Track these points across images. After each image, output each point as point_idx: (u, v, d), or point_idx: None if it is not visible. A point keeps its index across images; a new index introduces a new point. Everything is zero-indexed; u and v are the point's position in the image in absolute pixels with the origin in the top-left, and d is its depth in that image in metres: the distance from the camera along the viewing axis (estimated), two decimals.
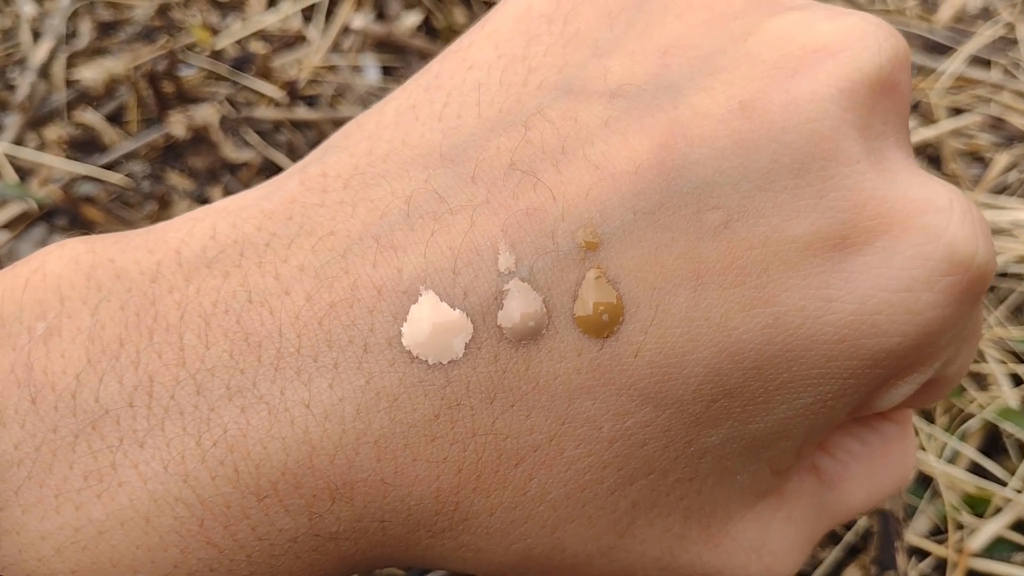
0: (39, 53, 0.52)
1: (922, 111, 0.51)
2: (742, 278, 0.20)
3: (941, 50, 0.55)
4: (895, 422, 0.27)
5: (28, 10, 0.55)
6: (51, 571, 0.18)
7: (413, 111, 0.22)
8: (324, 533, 0.19)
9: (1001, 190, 0.48)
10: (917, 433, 0.38)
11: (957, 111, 0.51)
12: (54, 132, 0.49)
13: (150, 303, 0.19)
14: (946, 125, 0.50)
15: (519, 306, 0.19)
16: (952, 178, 0.48)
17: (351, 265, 0.19)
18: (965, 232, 0.21)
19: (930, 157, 0.49)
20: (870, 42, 0.21)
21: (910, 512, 0.36)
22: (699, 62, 0.21)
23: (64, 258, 0.20)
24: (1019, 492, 0.36)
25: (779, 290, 0.20)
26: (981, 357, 0.40)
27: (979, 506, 0.36)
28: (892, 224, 0.20)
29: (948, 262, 0.20)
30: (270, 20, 0.54)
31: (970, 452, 0.37)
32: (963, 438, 0.38)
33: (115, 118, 0.50)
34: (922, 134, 0.50)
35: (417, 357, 0.19)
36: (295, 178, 0.21)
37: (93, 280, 0.20)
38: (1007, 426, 0.38)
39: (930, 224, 0.20)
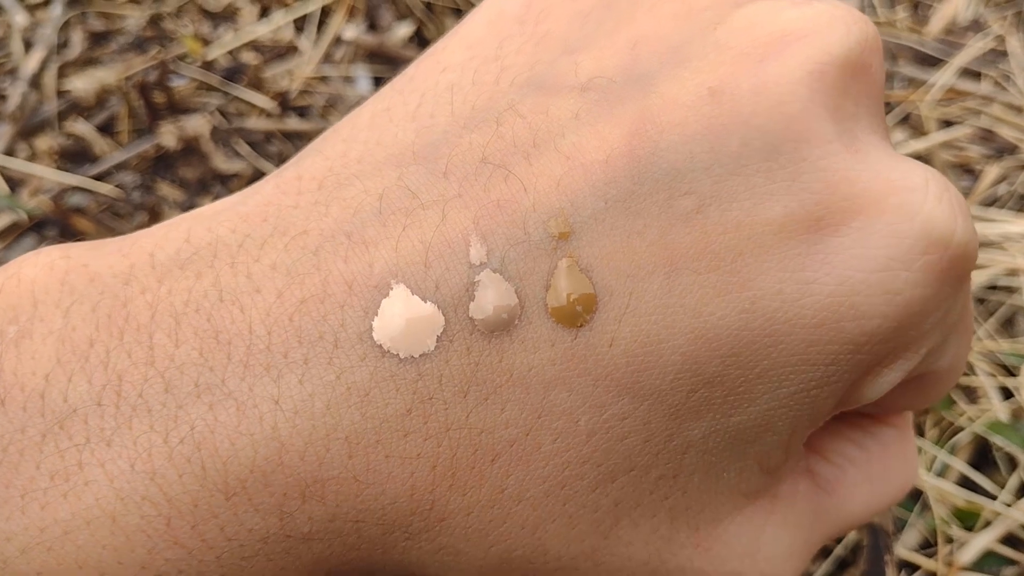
0: (30, 63, 0.52)
1: (913, 123, 0.52)
2: (716, 263, 0.20)
3: (932, 62, 0.55)
4: (894, 427, 0.26)
5: (19, 20, 0.55)
6: (16, 573, 0.18)
7: (387, 113, 0.22)
8: (296, 534, 0.19)
9: (991, 202, 0.48)
10: None
11: (947, 123, 0.52)
12: (45, 143, 0.49)
13: (121, 304, 0.19)
14: (937, 137, 0.50)
15: (491, 297, 0.19)
16: None
17: (322, 262, 0.19)
18: (942, 210, 0.20)
19: None
20: (838, 25, 0.21)
21: (900, 526, 0.36)
22: (669, 53, 0.21)
23: (39, 264, 0.20)
24: (1009, 506, 0.36)
25: (754, 274, 0.20)
26: (971, 370, 0.40)
27: (969, 520, 0.36)
28: (867, 204, 0.20)
29: (925, 240, 0.20)
30: (262, 31, 0.54)
31: (960, 466, 0.37)
32: (953, 451, 0.38)
33: (106, 129, 0.50)
34: (913, 146, 0.50)
35: (388, 351, 0.19)
36: (271, 182, 0.22)
37: (67, 284, 0.20)
38: (997, 439, 0.38)
39: (905, 203, 0.20)
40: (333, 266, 0.19)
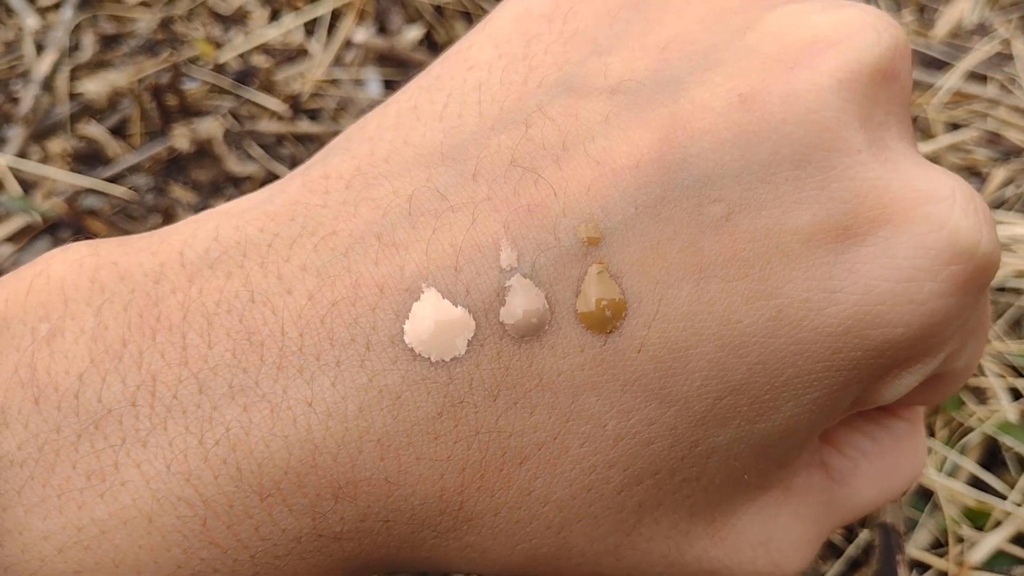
0: (42, 66, 0.52)
1: (920, 126, 0.52)
2: (745, 270, 0.20)
3: (938, 65, 0.55)
4: (906, 420, 0.26)
5: (31, 23, 0.55)
6: (54, 571, 0.18)
7: (414, 112, 0.22)
8: (328, 533, 0.19)
9: (999, 205, 0.48)
10: None
11: (954, 126, 0.52)
12: (58, 145, 0.49)
13: (153, 304, 0.19)
14: (944, 140, 0.51)
15: (521, 302, 0.19)
16: None
17: (353, 264, 0.19)
18: (968, 221, 0.21)
19: None
20: (869, 32, 0.21)
21: (911, 525, 0.36)
22: (698, 56, 0.21)
23: (68, 261, 0.20)
24: (1019, 505, 0.36)
25: (782, 282, 0.20)
26: (980, 371, 0.41)
27: (979, 519, 0.36)
28: (895, 214, 0.20)
29: (951, 251, 0.20)
30: (273, 34, 0.55)
31: (970, 466, 0.38)
32: (963, 452, 0.38)
33: (119, 131, 0.50)
34: (920, 149, 0.50)
35: (420, 355, 0.19)
36: (297, 180, 0.22)
37: (97, 282, 0.20)
38: (1006, 440, 0.38)
39: (933, 213, 0.20)
40: (364, 268, 0.19)
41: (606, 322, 0.19)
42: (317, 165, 0.22)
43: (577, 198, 0.20)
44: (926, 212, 0.21)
